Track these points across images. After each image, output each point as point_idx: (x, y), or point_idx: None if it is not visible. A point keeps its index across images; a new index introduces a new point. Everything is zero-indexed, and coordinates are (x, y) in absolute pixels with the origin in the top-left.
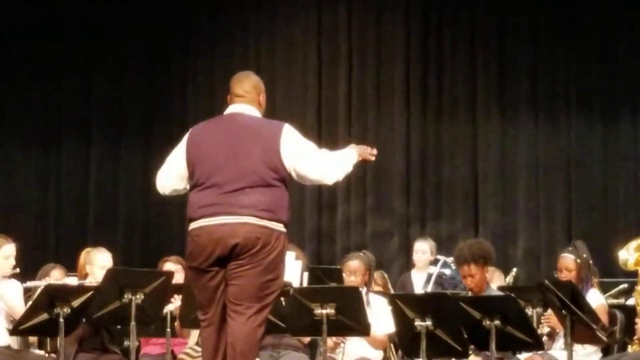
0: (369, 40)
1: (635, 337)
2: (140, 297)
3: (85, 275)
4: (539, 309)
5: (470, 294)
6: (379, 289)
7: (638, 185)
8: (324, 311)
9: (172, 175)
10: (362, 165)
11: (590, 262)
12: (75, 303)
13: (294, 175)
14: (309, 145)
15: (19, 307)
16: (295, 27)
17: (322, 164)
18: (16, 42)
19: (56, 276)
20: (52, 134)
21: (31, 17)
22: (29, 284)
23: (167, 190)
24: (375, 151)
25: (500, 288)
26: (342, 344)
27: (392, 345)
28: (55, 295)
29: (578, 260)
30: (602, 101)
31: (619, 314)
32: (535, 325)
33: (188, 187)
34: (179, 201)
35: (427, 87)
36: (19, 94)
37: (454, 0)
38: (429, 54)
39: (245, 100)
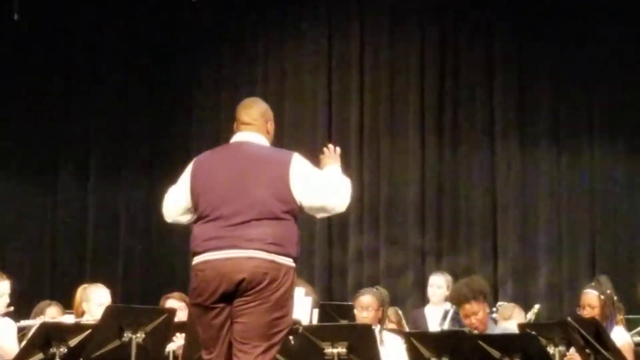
0: (382, 69)
1: None
2: (141, 335)
3: (82, 313)
4: (561, 348)
5: (476, 333)
6: (393, 326)
7: None
8: (335, 350)
9: (176, 207)
10: (375, 196)
11: (615, 298)
12: (72, 342)
13: (305, 206)
14: (319, 174)
15: (12, 348)
16: (305, 55)
17: (334, 194)
18: (13, 71)
19: (52, 314)
20: (48, 164)
21: (31, 44)
22: (23, 322)
23: (170, 219)
24: (332, 146)
25: (521, 325)
26: None
27: None
28: (51, 334)
29: (602, 297)
30: (627, 130)
31: None
32: None
33: (190, 220)
34: (182, 234)
35: (443, 115)
36: (14, 128)
37: (470, 28)
38: (444, 81)
39: (253, 129)
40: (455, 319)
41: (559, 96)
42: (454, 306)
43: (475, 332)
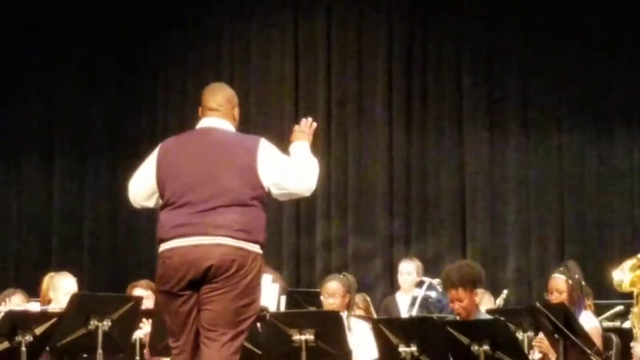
0: (349, 51)
1: None
2: (107, 323)
3: (49, 301)
4: (530, 333)
5: (458, 318)
6: (361, 313)
7: (634, 203)
8: (303, 337)
9: (141, 192)
10: (343, 183)
11: (583, 283)
12: (38, 330)
13: (273, 191)
14: (286, 160)
15: None
16: (271, 36)
17: (301, 178)
18: None
19: (17, 302)
20: (11, 150)
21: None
22: None
23: (138, 205)
24: (311, 120)
25: (489, 311)
26: None
27: None
28: (16, 322)
29: (570, 281)
30: (595, 116)
31: (614, 338)
32: (526, 350)
33: (155, 206)
34: (148, 222)
35: (411, 100)
36: None
37: (440, 13)
38: (412, 64)
39: (219, 114)
40: (424, 305)
41: (527, 82)
42: (424, 292)
43: (457, 317)
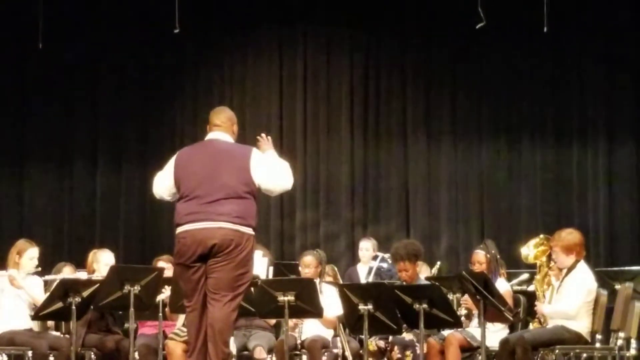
0: (321, 80)
1: (535, 317)
2: (137, 288)
3: (93, 271)
4: (458, 295)
5: (404, 284)
6: (330, 279)
7: (536, 196)
8: (286, 298)
9: (163, 188)
10: (316, 180)
11: (498, 257)
12: (85, 293)
13: (262, 188)
14: (273, 165)
15: (41, 298)
16: (261, 68)
17: (283, 177)
18: (33, 76)
19: (68, 272)
20: (64, 155)
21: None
22: (47, 277)
23: (160, 197)
24: (264, 135)
25: (427, 278)
26: (300, 325)
27: (340, 325)
28: (68, 287)
29: (488, 256)
30: (507, 129)
31: (522, 298)
32: (455, 307)
33: (175, 197)
34: (169, 211)
35: (368, 117)
36: (36, 122)
37: (389, 48)
38: (368, 91)
39: (222, 129)
40: (378, 273)
41: (456, 103)
42: (378, 264)
43: (404, 283)
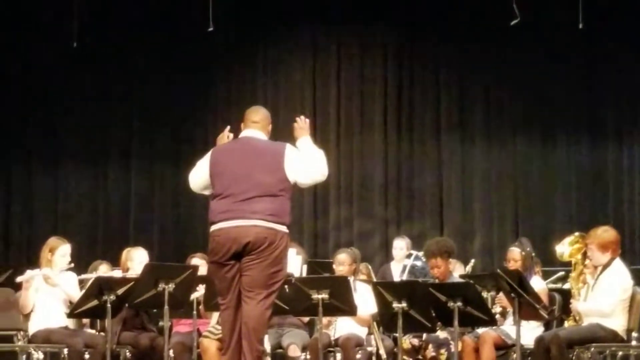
0: (354, 79)
1: (570, 314)
2: (172, 286)
3: (127, 269)
4: (492, 293)
5: (437, 281)
6: (364, 277)
7: (571, 193)
8: (320, 296)
9: (198, 183)
10: (349, 178)
11: (533, 254)
12: (120, 291)
13: (298, 183)
14: (304, 157)
15: (76, 295)
16: (295, 68)
17: (315, 168)
18: (67, 75)
19: (103, 270)
20: (100, 157)
21: (78, 51)
22: (83, 276)
23: (196, 191)
24: (304, 118)
25: (461, 276)
26: (334, 323)
27: (374, 323)
28: (103, 285)
29: (523, 253)
30: (541, 126)
31: (557, 296)
32: (489, 305)
33: (211, 191)
34: (202, 208)
35: (401, 115)
36: (71, 121)
37: (422, 50)
38: (402, 89)
39: (257, 127)
40: (412, 271)
41: (488, 102)
42: (412, 262)
43: (436, 280)
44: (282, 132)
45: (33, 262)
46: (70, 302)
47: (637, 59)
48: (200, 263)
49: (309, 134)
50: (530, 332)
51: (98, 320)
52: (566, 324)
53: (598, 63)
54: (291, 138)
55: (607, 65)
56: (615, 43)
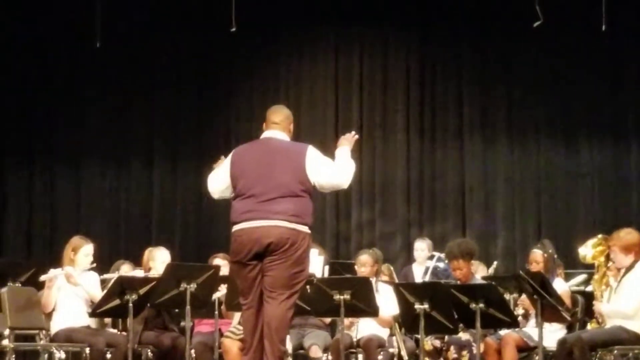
0: (377, 81)
1: (593, 317)
2: (193, 286)
3: (149, 269)
4: (515, 295)
5: (459, 283)
6: (386, 278)
7: (594, 196)
8: (342, 297)
9: (219, 185)
10: (371, 180)
11: (555, 256)
12: (142, 291)
13: (317, 186)
14: (328, 161)
15: (98, 295)
16: (318, 70)
17: (338, 175)
18: (91, 75)
19: (125, 270)
20: (122, 156)
21: (101, 51)
22: (105, 276)
23: (215, 195)
24: (354, 133)
25: (484, 278)
26: (356, 324)
27: (396, 324)
28: (125, 284)
29: (545, 255)
30: (564, 128)
31: (579, 298)
32: (512, 307)
33: (230, 195)
34: (224, 209)
35: (423, 117)
36: (94, 121)
37: (444, 52)
38: (424, 90)
39: (279, 128)
40: (434, 273)
41: (511, 104)
42: (434, 263)
43: (458, 282)
44: (304, 133)
45: (55, 261)
46: (92, 302)
47: None
48: (222, 263)
49: (350, 147)
50: (552, 335)
51: (120, 320)
52: (589, 326)
53: (621, 65)
54: (314, 139)
55: (631, 68)
56: (638, 44)
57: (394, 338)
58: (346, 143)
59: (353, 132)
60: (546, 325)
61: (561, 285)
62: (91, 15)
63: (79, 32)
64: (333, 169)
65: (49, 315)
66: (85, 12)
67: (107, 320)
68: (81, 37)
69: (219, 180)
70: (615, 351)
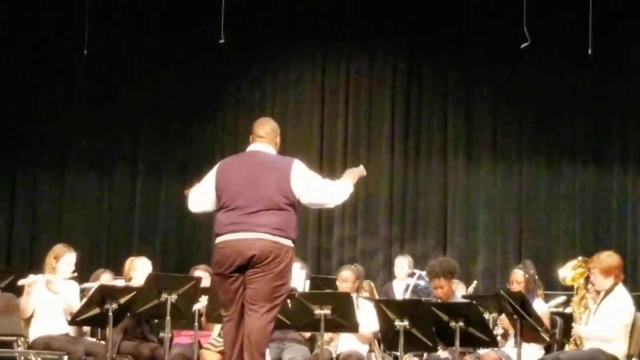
0: (362, 97)
1: (571, 339)
2: (174, 297)
3: (130, 279)
4: (494, 314)
5: (439, 301)
6: (367, 294)
7: (575, 217)
8: (322, 312)
9: (202, 199)
10: (354, 196)
11: (536, 277)
12: (122, 300)
13: (302, 200)
14: (315, 176)
15: (77, 303)
16: (304, 86)
17: (325, 193)
18: (77, 83)
19: (105, 279)
20: (106, 166)
21: (87, 59)
22: (85, 285)
23: (197, 210)
24: (362, 168)
25: (464, 297)
26: (336, 339)
27: (376, 341)
28: (106, 293)
29: (526, 275)
30: (547, 150)
31: (558, 320)
32: (491, 327)
33: (213, 209)
34: (206, 220)
35: (408, 135)
36: (78, 130)
37: (431, 71)
38: (409, 109)
39: (265, 141)
40: (414, 290)
41: (496, 124)
42: (415, 281)
43: (439, 300)
44: (289, 148)
45: (36, 268)
46: (70, 312)
47: None
48: (203, 275)
49: (354, 181)
50: (531, 355)
51: (99, 329)
52: (567, 347)
53: (605, 89)
54: (299, 154)
55: (614, 91)
56: (623, 69)
57: (373, 354)
58: (352, 176)
59: (361, 166)
60: (525, 345)
61: (541, 306)
62: (80, 24)
63: (66, 39)
64: (322, 185)
65: (27, 322)
66: (74, 20)
67: (86, 328)
68: (68, 45)
69: (203, 193)
70: None
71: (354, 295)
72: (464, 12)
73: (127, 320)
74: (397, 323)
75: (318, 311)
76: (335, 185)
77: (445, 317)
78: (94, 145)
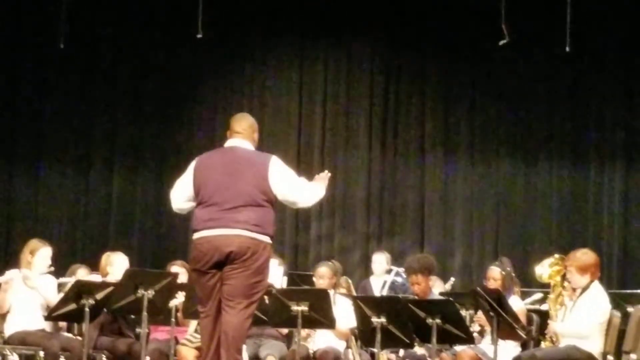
0: (340, 94)
1: (547, 335)
2: (151, 292)
3: (107, 274)
4: (471, 311)
5: (417, 298)
6: (344, 291)
7: (552, 214)
8: (299, 308)
9: (181, 197)
10: (332, 192)
11: (513, 274)
12: (99, 296)
13: (278, 197)
14: (292, 174)
15: (54, 299)
16: (281, 81)
17: (301, 191)
18: (53, 77)
19: (81, 274)
20: (82, 161)
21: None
22: (61, 280)
23: (179, 207)
24: (327, 172)
25: (441, 294)
26: (312, 335)
27: (353, 337)
28: (82, 289)
29: (503, 273)
30: (524, 148)
31: (535, 317)
32: (468, 323)
33: (193, 206)
34: (184, 216)
35: (386, 132)
36: (54, 124)
37: (408, 68)
38: (387, 106)
39: (242, 136)
40: (392, 287)
41: (473, 121)
42: (392, 278)
43: (416, 296)
44: (267, 144)
45: (11, 263)
46: (48, 306)
47: (620, 84)
48: (180, 271)
49: (323, 185)
50: (507, 352)
51: (75, 324)
52: (543, 344)
53: (584, 87)
54: (276, 150)
55: (591, 89)
56: (600, 67)
57: (350, 351)
58: (319, 179)
59: (326, 171)
60: (501, 342)
61: (517, 303)
62: (56, 17)
63: (43, 33)
64: (298, 183)
65: (3, 317)
66: (49, 13)
67: (62, 324)
68: (45, 39)
69: (181, 189)
70: None
71: (331, 292)
72: (442, 9)
73: (103, 315)
74: (374, 320)
75: (295, 307)
76: (310, 186)
77: (422, 314)
78: (69, 140)
